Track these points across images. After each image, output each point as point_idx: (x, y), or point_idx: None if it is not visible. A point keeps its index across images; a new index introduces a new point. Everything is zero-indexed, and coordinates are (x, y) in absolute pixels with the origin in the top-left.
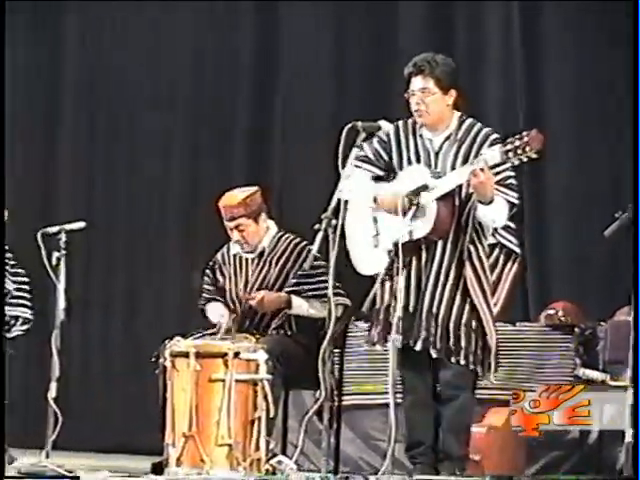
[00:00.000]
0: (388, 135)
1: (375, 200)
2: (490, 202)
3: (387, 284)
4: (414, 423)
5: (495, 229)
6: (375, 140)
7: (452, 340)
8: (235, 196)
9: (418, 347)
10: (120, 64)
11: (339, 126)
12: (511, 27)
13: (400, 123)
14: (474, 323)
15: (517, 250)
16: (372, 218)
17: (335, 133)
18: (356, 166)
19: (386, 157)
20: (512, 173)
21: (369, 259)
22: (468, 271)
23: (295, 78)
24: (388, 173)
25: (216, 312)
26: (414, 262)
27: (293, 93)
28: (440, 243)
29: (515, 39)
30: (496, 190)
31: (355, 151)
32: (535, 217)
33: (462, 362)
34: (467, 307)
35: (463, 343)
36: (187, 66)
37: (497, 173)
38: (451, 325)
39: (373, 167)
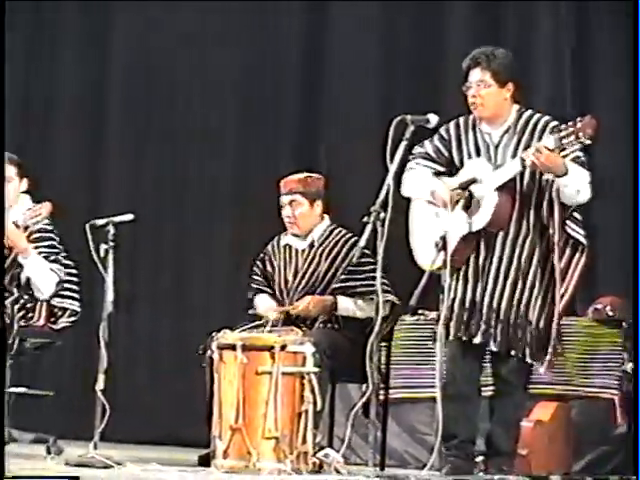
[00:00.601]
0: (448, 131)
1: (432, 196)
2: (565, 174)
3: (448, 279)
4: (449, 416)
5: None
6: (435, 137)
7: (511, 333)
8: (299, 174)
9: (477, 340)
10: (168, 63)
11: (386, 119)
12: (561, 26)
13: (460, 119)
14: (535, 316)
15: (584, 241)
16: (434, 214)
17: (381, 132)
18: (417, 163)
19: (446, 153)
20: (580, 153)
21: (430, 254)
22: (532, 263)
23: (342, 77)
24: (450, 169)
25: (264, 304)
26: (473, 255)
27: (340, 92)
28: (500, 235)
29: (564, 38)
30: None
31: (416, 147)
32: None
33: (520, 355)
34: (529, 300)
35: (523, 336)
36: (235, 65)
37: (565, 156)
38: (511, 318)
39: (434, 164)
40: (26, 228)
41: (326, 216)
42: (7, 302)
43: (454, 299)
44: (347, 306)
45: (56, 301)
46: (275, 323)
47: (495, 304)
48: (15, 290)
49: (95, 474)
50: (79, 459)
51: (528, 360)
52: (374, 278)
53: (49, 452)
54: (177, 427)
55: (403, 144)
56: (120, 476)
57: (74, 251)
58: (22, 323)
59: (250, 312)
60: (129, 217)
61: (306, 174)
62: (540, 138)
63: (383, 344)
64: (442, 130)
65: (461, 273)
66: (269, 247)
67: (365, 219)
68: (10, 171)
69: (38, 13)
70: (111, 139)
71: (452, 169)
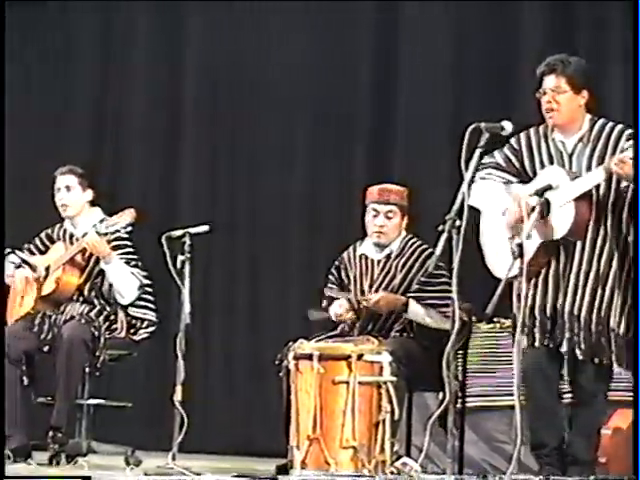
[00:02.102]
0: (519, 141)
1: (510, 206)
2: None
3: (525, 285)
4: (537, 425)
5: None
6: (505, 147)
7: (595, 340)
8: (396, 186)
9: (563, 348)
10: (241, 77)
11: (459, 126)
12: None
13: (531, 129)
14: (616, 322)
15: None
16: (515, 220)
17: (455, 133)
18: (488, 173)
19: (517, 163)
20: None
21: (505, 262)
22: (611, 269)
23: (415, 78)
24: (521, 179)
25: (339, 306)
26: (553, 263)
27: (413, 93)
28: (579, 243)
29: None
30: None
31: (486, 158)
32: None
33: (606, 362)
34: (609, 306)
35: (607, 343)
36: (307, 67)
37: None
38: (593, 325)
39: (504, 173)
40: (106, 235)
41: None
42: (92, 314)
43: (533, 306)
44: (417, 311)
45: (134, 311)
46: (352, 327)
47: (576, 311)
48: (96, 301)
49: None
50: (158, 470)
51: (615, 366)
52: (447, 291)
53: (128, 463)
54: (253, 437)
55: (478, 152)
56: None
57: (148, 263)
58: (107, 335)
59: (312, 318)
60: (205, 228)
61: (399, 187)
62: (615, 147)
63: (459, 352)
64: (513, 140)
65: (540, 280)
66: (345, 256)
67: (440, 227)
68: (71, 180)
69: (109, 32)
70: (185, 152)
71: (523, 179)
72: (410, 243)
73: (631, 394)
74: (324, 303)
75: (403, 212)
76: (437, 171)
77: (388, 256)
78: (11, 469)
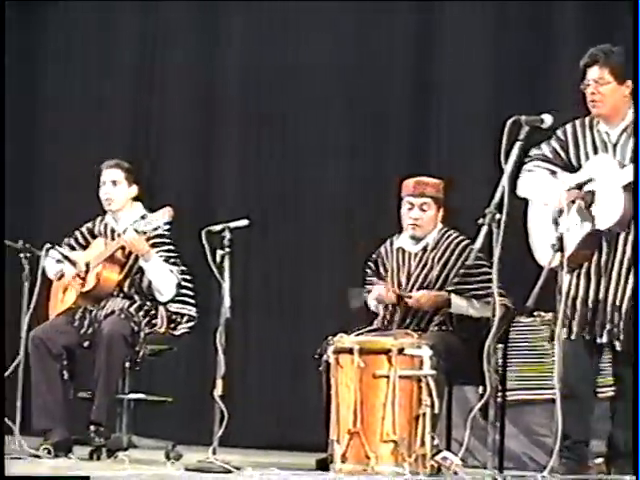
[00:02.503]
0: (565, 132)
1: (551, 198)
2: None
3: (567, 278)
4: (566, 416)
5: None
6: (552, 138)
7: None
8: (431, 178)
9: (603, 340)
10: (275, 63)
11: (496, 122)
12: None
13: (577, 120)
14: None
15: None
16: (556, 212)
17: (492, 129)
18: (535, 165)
19: (563, 154)
20: None
21: (547, 254)
22: None
23: (453, 75)
24: (567, 170)
25: (379, 291)
26: (595, 254)
27: (449, 90)
28: (622, 234)
29: None
30: None
31: (532, 150)
32: None
33: None
34: None
35: None
36: (343, 65)
37: None
38: (633, 317)
39: (551, 165)
40: (145, 233)
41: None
42: (132, 309)
43: (575, 298)
44: (460, 304)
45: (174, 307)
46: (388, 322)
47: (618, 303)
48: (136, 297)
49: (214, 479)
50: (198, 464)
51: None
52: (488, 280)
53: (168, 458)
54: (292, 431)
55: (518, 145)
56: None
57: (188, 258)
58: (147, 330)
59: (354, 305)
60: (244, 223)
61: (434, 179)
62: None
63: (499, 346)
64: (559, 131)
65: (582, 272)
66: (382, 249)
67: (480, 221)
68: (118, 175)
69: (147, 31)
70: (222, 149)
71: (570, 170)
72: (447, 235)
73: None
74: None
75: (438, 204)
76: (474, 167)
77: (424, 249)
78: (52, 463)
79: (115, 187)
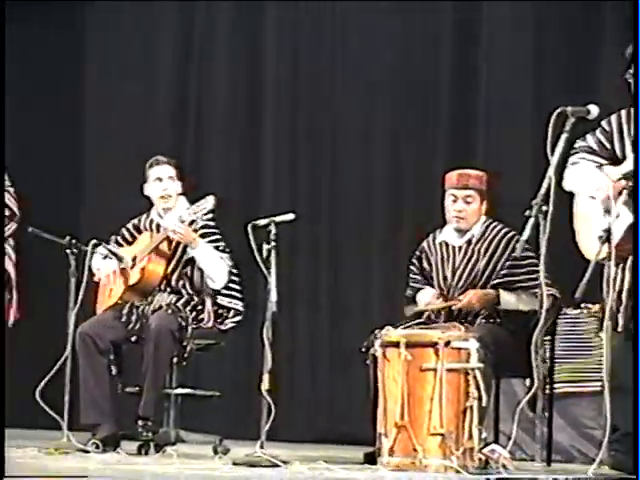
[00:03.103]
0: (610, 124)
1: (597, 190)
2: None
3: (614, 270)
4: (613, 408)
5: None
6: (597, 130)
7: None
8: (474, 170)
9: None
10: (320, 50)
11: (542, 111)
12: None
13: (622, 111)
14: None
15: None
16: (605, 204)
17: (538, 118)
18: (580, 157)
19: (609, 146)
20: None
21: (594, 246)
22: None
23: (497, 61)
24: (612, 162)
25: (426, 296)
26: None
27: (495, 77)
28: None
29: None
30: None
31: (578, 142)
32: None
33: None
34: None
35: None
36: (388, 50)
37: None
38: None
39: (597, 157)
40: (191, 223)
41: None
42: (179, 304)
43: (621, 291)
44: (509, 299)
45: (221, 300)
46: (437, 315)
47: None
48: (184, 291)
49: (262, 473)
50: (246, 459)
51: None
52: (535, 271)
53: (216, 452)
54: (338, 425)
55: (564, 136)
56: (287, 475)
57: (233, 252)
58: (194, 325)
59: (409, 313)
60: (290, 217)
61: (478, 172)
62: None
63: (547, 338)
64: (604, 123)
65: (628, 263)
66: (424, 244)
67: (527, 213)
68: (171, 171)
69: (190, 20)
70: (266, 140)
71: (615, 162)
72: (492, 227)
73: None
74: (408, 291)
75: (482, 197)
76: (520, 156)
77: (469, 241)
78: (100, 458)
79: (173, 182)
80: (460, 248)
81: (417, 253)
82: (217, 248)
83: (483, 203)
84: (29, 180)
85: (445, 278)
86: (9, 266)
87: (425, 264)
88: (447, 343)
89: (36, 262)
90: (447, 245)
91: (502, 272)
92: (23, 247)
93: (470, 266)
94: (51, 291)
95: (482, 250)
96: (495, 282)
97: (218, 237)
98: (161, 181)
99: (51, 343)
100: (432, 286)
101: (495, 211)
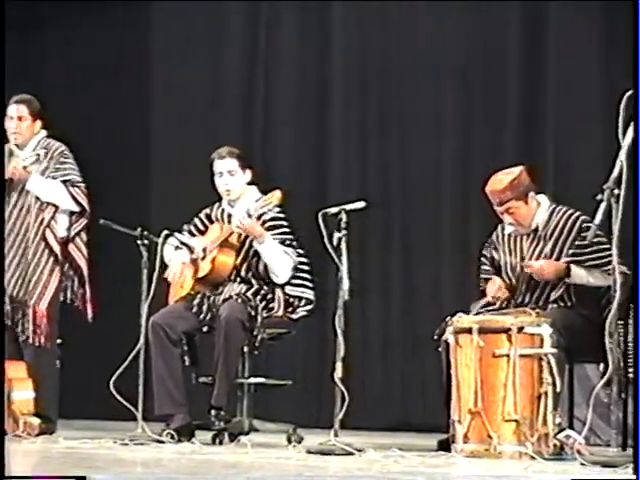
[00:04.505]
0: None
1: None
2: None
3: None
4: None
5: None
6: None
7: None
8: (501, 180)
9: None
10: (387, 35)
11: (612, 94)
12: None
13: None
14: None
15: None
16: None
17: (608, 101)
18: None
19: None
20: None
21: None
22: None
23: (565, 44)
24: None
25: (493, 285)
26: None
27: (564, 60)
28: None
29: None
30: None
31: None
32: None
33: None
34: None
35: None
36: (456, 34)
37: None
38: None
39: None
40: (259, 217)
41: (542, 197)
42: (249, 294)
43: None
44: (580, 273)
45: (292, 290)
46: (507, 304)
47: None
48: (254, 281)
49: (337, 461)
50: (320, 447)
51: None
52: (604, 250)
53: (290, 441)
54: (413, 413)
55: (633, 124)
56: (361, 461)
57: (304, 241)
58: (264, 314)
59: (479, 309)
60: (361, 204)
61: (510, 177)
62: None
63: (620, 322)
64: None
65: None
66: (493, 236)
67: (599, 197)
68: (233, 164)
69: (256, 15)
70: (334, 127)
71: None
72: (556, 212)
73: None
74: (481, 283)
75: (525, 196)
76: (590, 139)
77: (535, 230)
78: (175, 448)
79: (233, 177)
80: (528, 236)
81: (486, 245)
82: (283, 242)
83: (529, 200)
84: (99, 171)
85: (513, 268)
86: (81, 261)
87: (494, 254)
88: (520, 329)
89: (108, 255)
90: (515, 237)
91: (570, 252)
92: (94, 241)
93: (538, 251)
94: (124, 284)
95: (548, 235)
96: (565, 260)
97: (285, 230)
98: (221, 176)
99: (125, 335)
100: (501, 277)
101: (565, 196)
